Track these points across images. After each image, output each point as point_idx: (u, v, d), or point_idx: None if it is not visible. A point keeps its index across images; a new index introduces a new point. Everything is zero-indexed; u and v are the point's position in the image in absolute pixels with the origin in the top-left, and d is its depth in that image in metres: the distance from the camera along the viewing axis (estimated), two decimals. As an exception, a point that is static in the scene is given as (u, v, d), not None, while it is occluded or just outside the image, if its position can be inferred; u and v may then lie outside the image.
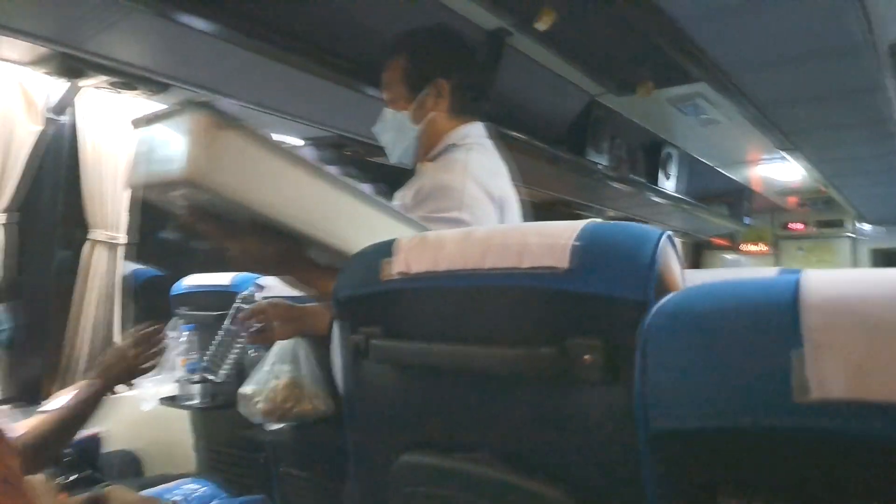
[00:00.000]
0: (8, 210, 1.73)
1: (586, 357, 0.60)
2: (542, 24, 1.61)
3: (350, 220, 0.91)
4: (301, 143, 2.47)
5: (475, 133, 1.30)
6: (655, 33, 1.60)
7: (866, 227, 5.76)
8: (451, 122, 1.28)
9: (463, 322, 0.70)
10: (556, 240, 0.64)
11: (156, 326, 1.45)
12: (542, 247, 0.64)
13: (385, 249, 0.77)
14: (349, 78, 1.78)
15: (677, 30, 1.55)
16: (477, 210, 1.14)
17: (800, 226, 6.04)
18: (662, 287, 0.59)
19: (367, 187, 0.96)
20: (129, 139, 2.01)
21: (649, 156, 3.04)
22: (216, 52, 1.60)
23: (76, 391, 1.38)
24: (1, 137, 1.70)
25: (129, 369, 1.39)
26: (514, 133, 2.30)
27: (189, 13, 1.40)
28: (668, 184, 3.24)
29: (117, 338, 2.02)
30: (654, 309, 0.48)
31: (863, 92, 2.00)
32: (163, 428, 2.08)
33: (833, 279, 0.41)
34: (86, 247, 1.95)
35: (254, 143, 0.82)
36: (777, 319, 0.40)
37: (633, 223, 0.67)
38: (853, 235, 5.83)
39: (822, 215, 5.77)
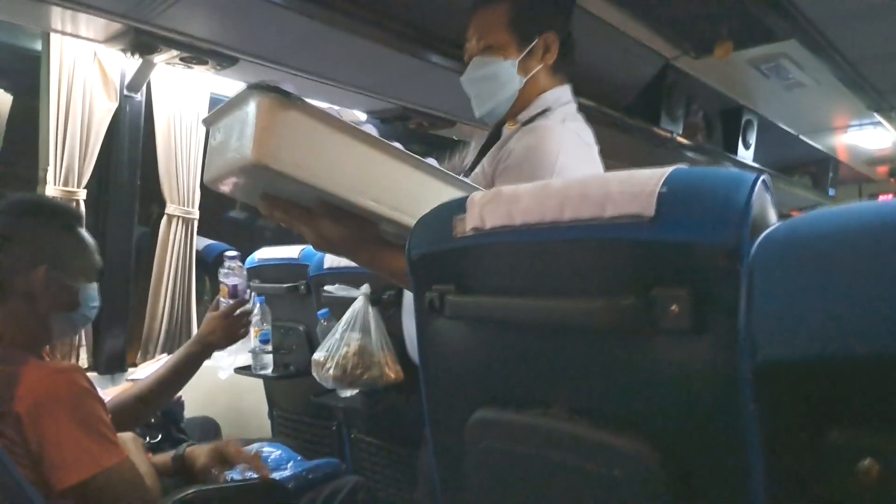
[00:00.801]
0: (88, 187, 1.82)
1: (673, 307, 0.57)
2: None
3: (418, 194, 0.89)
4: (364, 116, 2.48)
5: (567, 96, 1.24)
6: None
7: (967, 198, 5.28)
8: (549, 81, 1.22)
9: (540, 276, 0.68)
10: (640, 187, 0.60)
11: (243, 297, 1.53)
12: (625, 195, 0.61)
13: (458, 206, 0.75)
14: (413, 45, 1.76)
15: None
16: None
17: (890, 197, 5.60)
18: (757, 234, 0.55)
19: (431, 161, 0.94)
20: (200, 113, 2.08)
21: (727, 123, 2.87)
22: (281, 23, 1.61)
23: (171, 358, 1.46)
24: (80, 115, 1.79)
25: (225, 336, 1.48)
26: (582, 100, 2.22)
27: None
28: (748, 153, 3.06)
29: (193, 311, 2.11)
30: (760, 240, 0.44)
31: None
32: (238, 395, 2.17)
33: None
34: (162, 222, 2.04)
35: (319, 122, 0.82)
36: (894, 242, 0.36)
37: (724, 168, 0.63)
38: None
39: (914, 186, 5.33)
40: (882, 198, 5.61)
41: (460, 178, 0.99)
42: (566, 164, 1.07)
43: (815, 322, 0.39)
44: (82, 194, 1.81)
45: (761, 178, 0.57)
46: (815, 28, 1.72)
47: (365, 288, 1.56)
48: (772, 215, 0.57)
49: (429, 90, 2.16)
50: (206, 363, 1.49)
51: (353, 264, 1.60)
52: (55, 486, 0.97)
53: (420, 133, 2.70)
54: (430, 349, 0.82)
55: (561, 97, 1.21)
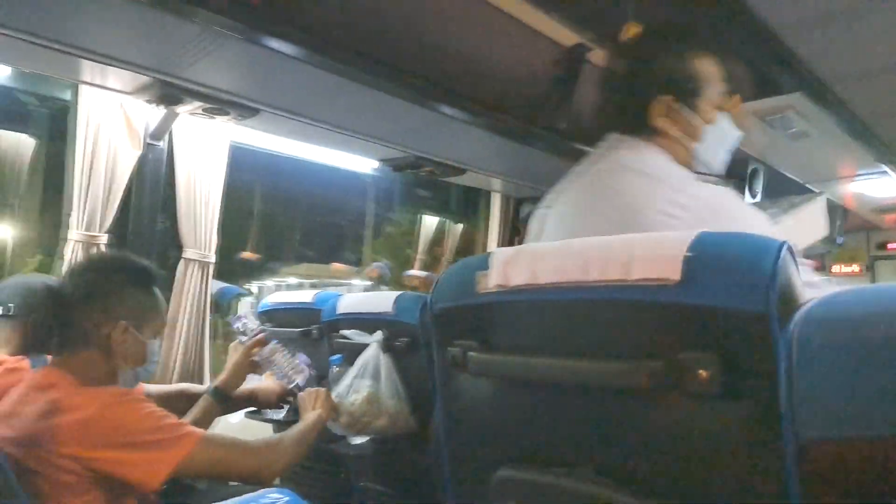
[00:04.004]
0: (110, 231, 1.86)
1: (701, 371, 0.58)
2: (625, 38, 1.59)
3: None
4: (377, 164, 2.53)
5: None
6: (750, 45, 1.53)
7: (975, 246, 5.26)
8: None
9: (565, 336, 0.69)
10: (666, 251, 0.62)
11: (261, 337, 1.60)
12: (651, 259, 0.62)
13: (480, 262, 0.77)
14: (426, 97, 1.81)
15: (773, 40, 1.49)
16: None
17: (900, 246, 5.58)
18: (784, 299, 0.56)
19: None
20: (219, 162, 2.13)
21: (735, 172, 2.91)
22: (300, 76, 1.67)
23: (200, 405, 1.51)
24: (105, 162, 1.84)
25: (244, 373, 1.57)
26: (590, 149, 2.26)
27: (275, 37, 1.48)
28: (755, 202, 3.09)
29: (207, 353, 2.11)
30: (798, 316, 0.45)
31: (977, 99, 1.85)
32: (250, 433, 2.14)
33: None
34: (180, 265, 2.06)
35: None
36: None
37: (749, 233, 0.64)
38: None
39: (924, 235, 5.32)
40: (891, 246, 5.60)
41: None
42: None
43: (859, 402, 0.39)
44: (104, 238, 1.84)
45: (786, 244, 0.58)
46: (821, 84, 1.77)
47: (378, 335, 1.56)
48: (797, 281, 0.58)
49: (440, 139, 2.21)
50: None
51: (366, 309, 1.63)
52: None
53: (430, 180, 2.75)
54: (452, 405, 0.82)
55: None
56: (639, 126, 1.07)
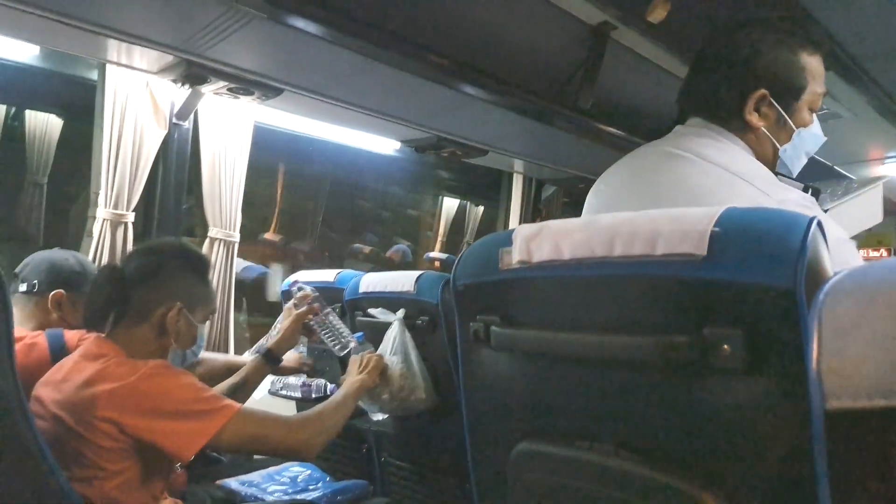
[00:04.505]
0: (136, 210, 1.90)
1: (725, 346, 0.58)
2: (654, 17, 1.55)
3: None
4: (398, 145, 2.53)
5: None
6: (778, 22, 1.50)
7: None
8: None
9: (589, 311, 0.69)
10: (692, 226, 0.61)
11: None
12: (677, 233, 0.62)
13: (504, 239, 0.77)
14: (449, 77, 1.80)
15: (807, 17, 1.45)
16: None
17: (928, 230, 5.45)
18: (812, 275, 0.55)
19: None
20: (243, 142, 2.15)
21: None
22: (324, 56, 1.67)
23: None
24: (131, 142, 1.87)
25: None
26: (613, 129, 2.24)
27: (300, 16, 1.48)
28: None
29: (231, 330, 2.15)
30: (828, 287, 0.45)
31: None
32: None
33: None
34: (205, 244, 2.10)
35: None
36: None
37: (777, 209, 0.63)
38: None
39: (955, 219, 5.19)
40: (920, 231, 5.47)
41: None
42: None
43: (886, 371, 0.39)
44: (130, 217, 1.88)
45: (816, 219, 0.57)
46: (853, 62, 1.72)
47: (400, 313, 1.58)
48: (826, 258, 0.58)
49: (463, 120, 2.21)
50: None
51: (388, 289, 1.65)
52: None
53: (451, 161, 2.74)
54: (473, 379, 0.83)
55: None
56: (727, 117, 1.02)
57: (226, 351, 2.09)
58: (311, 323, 1.60)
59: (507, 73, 1.95)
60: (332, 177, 4.30)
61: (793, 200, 0.87)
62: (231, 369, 1.61)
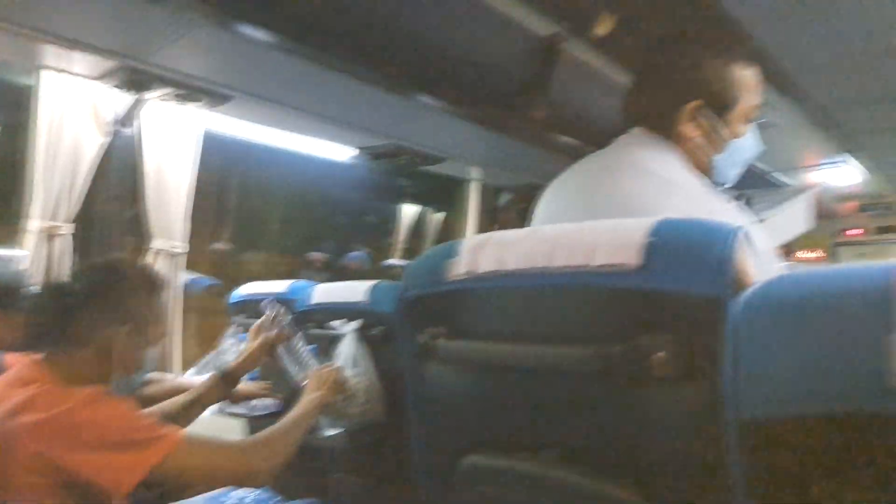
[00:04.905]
0: (73, 220, 1.82)
1: (659, 354, 0.59)
2: (600, 30, 1.59)
3: None
4: (355, 152, 2.51)
5: None
6: (717, 37, 1.56)
7: (932, 233, 5.47)
8: None
9: (531, 321, 0.70)
10: (628, 237, 0.63)
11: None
12: (613, 244, 0.64)
13: (451, 250, 0.78)
14: (406, 86, 1.81)
15: (742, 32, 1.51)
16: None
17: (859, 232, 5.77)
18: (738, 284, 0.58)
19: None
20: (190, 149, 2.10)
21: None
22: (276, 63, 1.65)
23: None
24: (69, 150, 1.79)
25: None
26: (566, 138, 2.29)
27: (251, 24, 1.45)
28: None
29: (177, 345, 2.08)
30: (744, 298, 0.47)
31: (929, 91, 1.91)
32: (219, 432, 2.13)
33: None
34: (148, 256, 2.03)
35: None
36: (871, 305, 0.39)
37: (705, 220, 0.66)
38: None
39: (883, 220, 5.51)
40: (851, 233, 5.78)
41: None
42: None
43: (795, 382, 0.41)
44: (67, 228, 1.80)
45: (741, 230, 0.60)
46: (788, 76, 1.81)
47: (355, 324, 1.57)
48: (751, 266, 0.60)
49: (419, 128, 2.21)
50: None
51: (341, 299, 1.63)
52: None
53: (409, 169, 2.74)
54: (421, 392, 0.83)
55: None
56: (665, 127, 1.05)
57: (170, 370, 2.03)
58: (279, 349, 1.54)
59: (462, 83, 1.97)
60: (287, 183, 4.24)
61: (724, 209, 0.90)
62: (180, 392, 1.53)
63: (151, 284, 1.21)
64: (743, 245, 0.59)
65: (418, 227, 4.85)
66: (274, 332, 1.53)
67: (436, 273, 0.79)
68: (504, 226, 3.38)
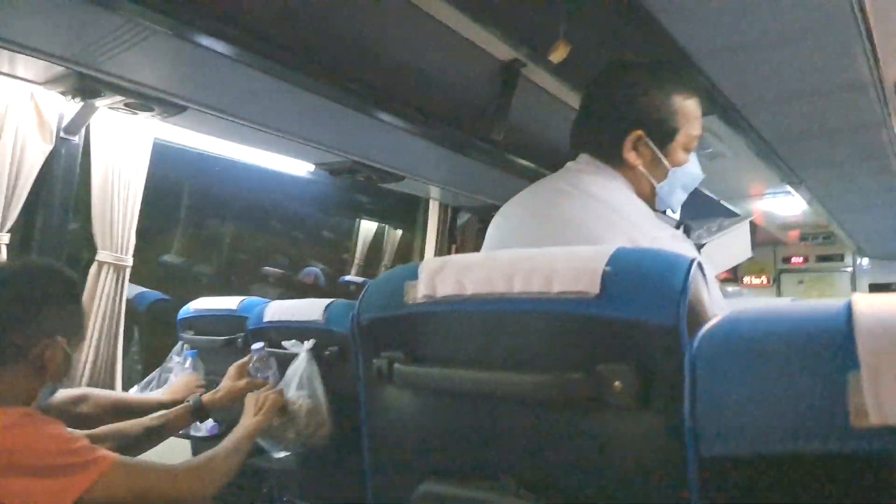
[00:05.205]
0: (13, 230, 1.73)
1: (616, 383, 0.60)
2: (556, 57, 1.64)
3: None
4: (312, 167, 2.48)
5: None
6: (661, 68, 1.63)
7: (865, 261, 5.80)
8: None
9: (489, 347, 0.70)
10: (586, 264, 0.64)
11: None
12: (572, 271, 0.64)
13: (409, 272, 0.77)
14: (365, 103, 1.80)
15: (693, 66, 1.58)
16: None
17: (800, 259, 6.08)
18: (693, 313, 0.59)
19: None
20: (141, 160, 2.03)
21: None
22: (233, 76, 1.61)
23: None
24: (10, 157, 1.71)
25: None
26: (524, 161, 2.32)
27: (208, 35, 1.42)
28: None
29: (119, 363, 1.99)
30: (702, 333, 0.47)
31: (868, 128, 2.03)
32: (163, 454, 2.04)
33: (884, 303, 0.40)
34: (93, 268, 1.94)
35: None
36: (831, 343, 0.39)
37: (663, 250, 0.67)
38: (852, 270, 5.88)
39: (822, 249, 5.82)
40: (794, 260, 6.08)
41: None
42: None
43: (756, 420, 0.41)
44: (5, 238, 1.70)
45: (696, 260, 0.61)
46: (735, 109, 1.89)
47: (308, 344, 1.53)
48: (706, 296, 0.62)
49: (379, 146, 2.20)
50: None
51: (295, 317, 1.59)
52: None
53: (368, 185, 2.72)
54: (376, 417, 0.81)
55: None
56: (610, 155, 1.07)
57: (112, 387, 1.93)
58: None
59: (423, 103, 1.98)
60: (242, 196, 4.15)
61: (665, 237, 0.94)
62: (119, 407, 1.49)
63: (73, 289, 1.16)
64: (698, 275, 0.60)
65: (376, 243, 4.82)
66: (266, 381, 1.51)
67: (393, 296, 0.77)
68: (462, 246, 3.39)
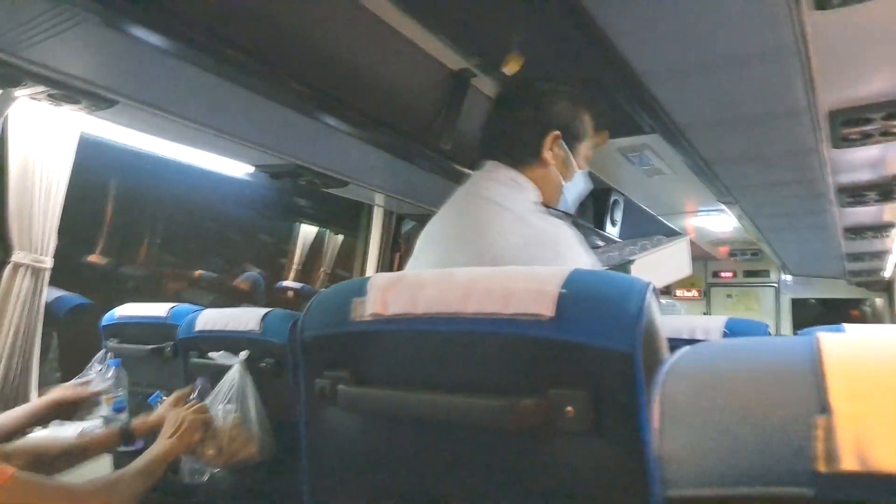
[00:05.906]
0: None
1: (569, 409, 0.58)
2: (509, 69, 1.65)
3: None
4: (251, 169, 2.39)
5: None
6: (619, 87, 1.65)
7: (789, 278, 6.15)
8: None
9: (440, 368, 0.67)
10: (542, 286, 0.62)
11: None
12: (527, 293, 0.62)
13: (357, 288, 0.73)
14: (309, 105, 1.74)
15: (638, 85, 1.61)
16: None
17: (729, 274, 6.40)
18: (647, 338, 0.58)
19: None
20: (65, 154, 1.89)
21: (597, 202, 3.14)
22: (168, 70, 1.52)
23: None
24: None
25: None
26: (471, 171, 2.31)
27: (143, 25, 1.33)
28: (614, 230, 3.34)
29: (34, 372, 1.84)
30: (667, 366, 0.46)
31: (801, 154, 2.14)
32: (80, 469, 1.90)
33: (853, 344, 0.40)
34: (6, 270, 1.79)
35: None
36: (799, 384, 0.38)
37: (617, 273, 0.67)
38: (777, 285, 6.23)
39: (749, 265, 6.14)
40: (723, 274, 6.39)
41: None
42: None
43: (720, 461, 0.40)
44: None
45: (651, 285, 0.61)
46: (676, 129, 1.95)
47: (243, 355, 1.46)
48: (659, 321, 0.61)
49: (323, 150, 2.14)
50: (45, 432, 1.39)
51: (230, 327, 1.51)
52: None
53: (311, 190, 2.65)
54: (317, 438, 0.77)
55: None
56: (525, 155, 1.16)
57: (26, 398, 1.78)
58: None
59: (371, 108, 1.93)
60: (175, 196, 3.95)
61: (541, 227, 1.04)
62: (32, 414, 1.40)
63: None
64: (652, 300, 0.60)
65: (316, 248, 4.70)
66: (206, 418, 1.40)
67: (339, 312, 0.74)
68: (406, 254, 3.36)
